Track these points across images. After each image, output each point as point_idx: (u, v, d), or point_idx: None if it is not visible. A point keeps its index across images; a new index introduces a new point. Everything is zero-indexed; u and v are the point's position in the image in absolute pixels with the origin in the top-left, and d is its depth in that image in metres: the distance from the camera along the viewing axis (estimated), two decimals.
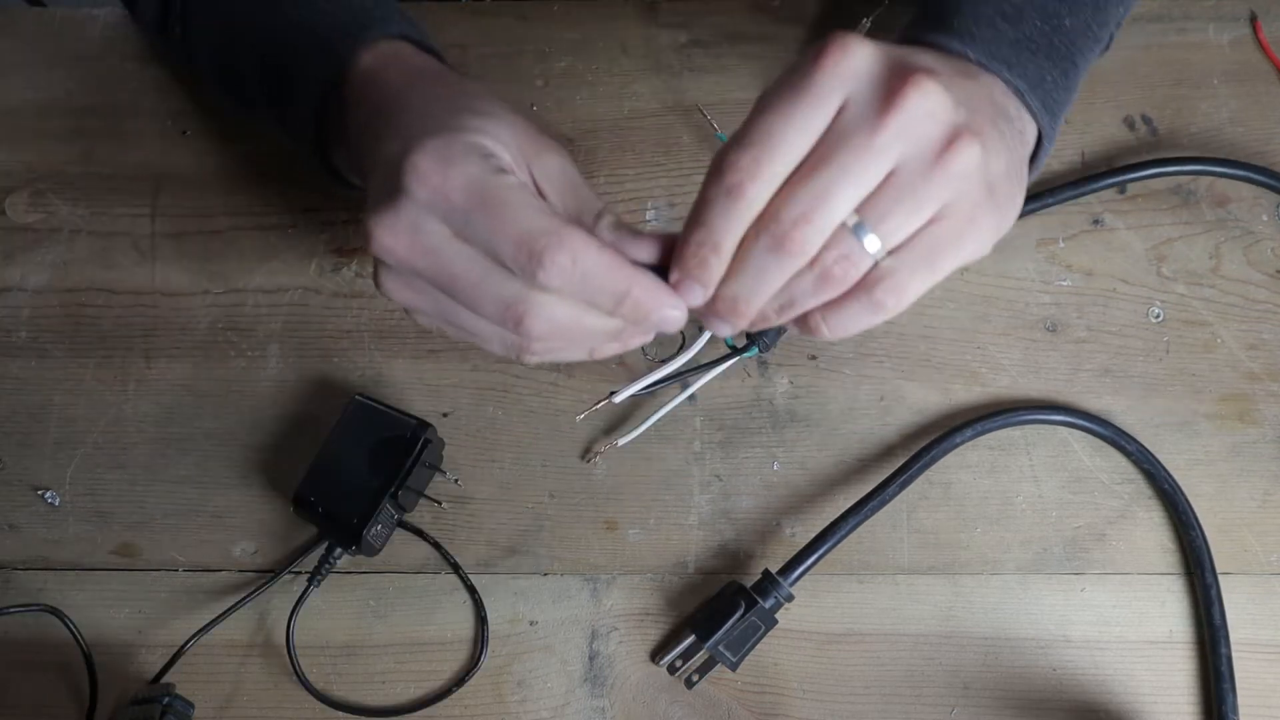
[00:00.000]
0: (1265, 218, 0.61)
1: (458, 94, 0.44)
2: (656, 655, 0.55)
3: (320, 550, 0.55)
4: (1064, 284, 0.60)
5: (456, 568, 0.57)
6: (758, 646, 0.53)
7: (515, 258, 0.38)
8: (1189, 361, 0.59)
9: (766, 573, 0.54)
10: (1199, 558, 0.55)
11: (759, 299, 0.38)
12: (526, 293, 0.39)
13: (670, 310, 0.39)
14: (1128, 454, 0.57)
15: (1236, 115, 0.63)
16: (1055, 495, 0.57)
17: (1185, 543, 0.56)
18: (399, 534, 0.57)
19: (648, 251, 0.40)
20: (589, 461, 0.58)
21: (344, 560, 0.56)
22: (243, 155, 0.64)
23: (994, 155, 0.40)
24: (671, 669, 0.55)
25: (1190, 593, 0.56)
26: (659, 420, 0.58)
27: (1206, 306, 0.60)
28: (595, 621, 0.56)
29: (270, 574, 0.56)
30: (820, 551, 0.54)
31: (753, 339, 0.56)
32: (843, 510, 0.55)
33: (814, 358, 0.59)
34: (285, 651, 0.55)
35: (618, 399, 0.56)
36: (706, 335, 0.56)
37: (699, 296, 0.39)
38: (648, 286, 0.39)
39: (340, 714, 0.55)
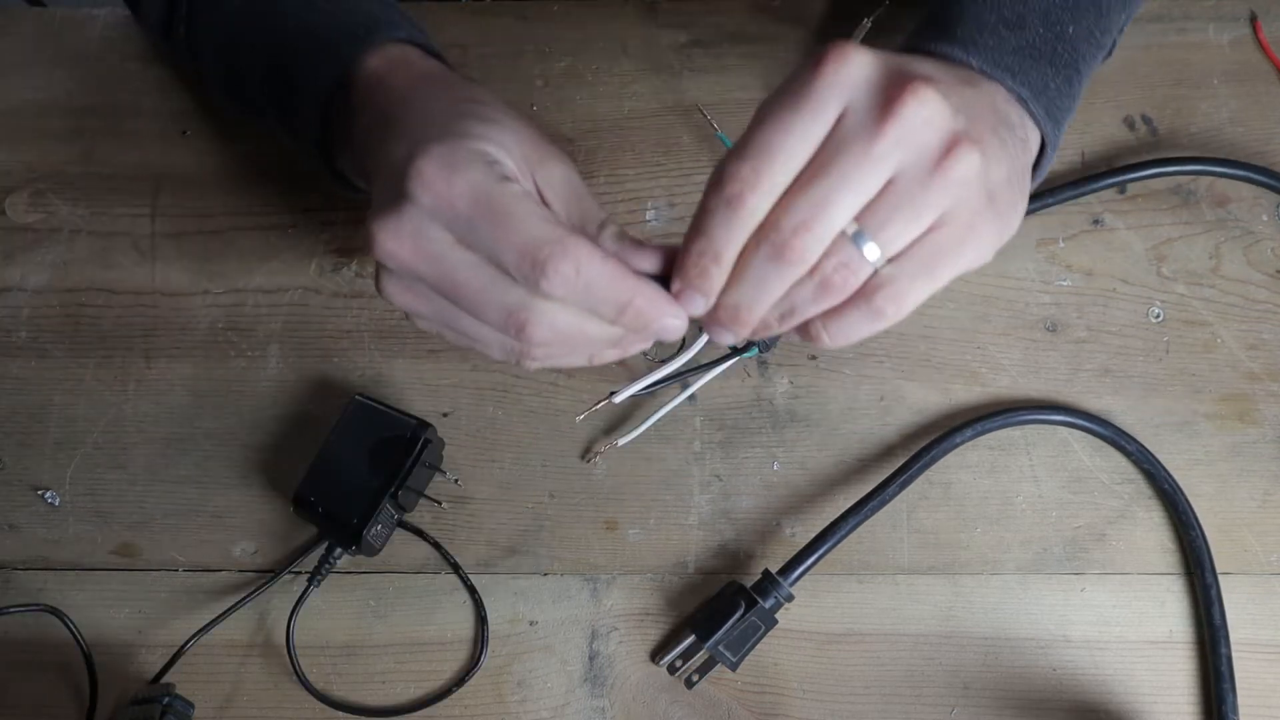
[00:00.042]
0: (1265, 218, 0.61)
1: (464, 99, 0.44)
2: (656, 655, 0.55)
3: (320, 550, 0.55)
4: (1064, 284, 0.60)
5: (456, 568, 0.57)
6: (758, 646, 0.53)
7: (518, 266, 0.38)
8: (1189, 361, 0.59)
9: (766, 573, 0.54)
10: (1199, 558, 0.55)
11: (760, 308, 0.39)
12: (529, 300, 0.39)
13: (671, 319, 0.39)
14: (1128, 454, 0.57)
15: (1236, 115, 0.63)
16: (1055, 495, 0.57)
17: (1185, 543, 0.56)
18: (399, 534, 0.57)
19: (650, 262, 0.40)
20: (589, 461, 0.58)
21: (344, 560, 0.56)
22: (243, 155, 0.64)
23: (994, 163, 0.40)
24: (671, 669, 0.55)
25: (1190, 593, 0.56)
26: (659, 420, 0.58)
27: (1206, 306, 0.60)
28: (595, 621, 0.56)
29: (270, 574, 0.56)
30: (820, 551, 0.54)
31: (752, 339, 0.56)
32: (843, 510, 0.55)
33: (814, 358, 0.59)
34: (285, 651, 0.55)
35: (618, 399, 0.56)
36: (706, 336, 0.56)
37: (700, 306, 0.39)
38: (649, 296, 0.39)
39: (340, 714, 0.55)
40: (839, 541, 0.54)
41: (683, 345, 0.57)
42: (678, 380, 0.57)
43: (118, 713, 0.55)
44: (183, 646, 0.55)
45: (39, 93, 0.66)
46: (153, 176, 0.64)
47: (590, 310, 0.39)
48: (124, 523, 0.58)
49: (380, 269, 0.41)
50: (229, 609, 0.55)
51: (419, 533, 0.57)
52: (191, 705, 0.54)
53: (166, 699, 0.53)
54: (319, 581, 0.55)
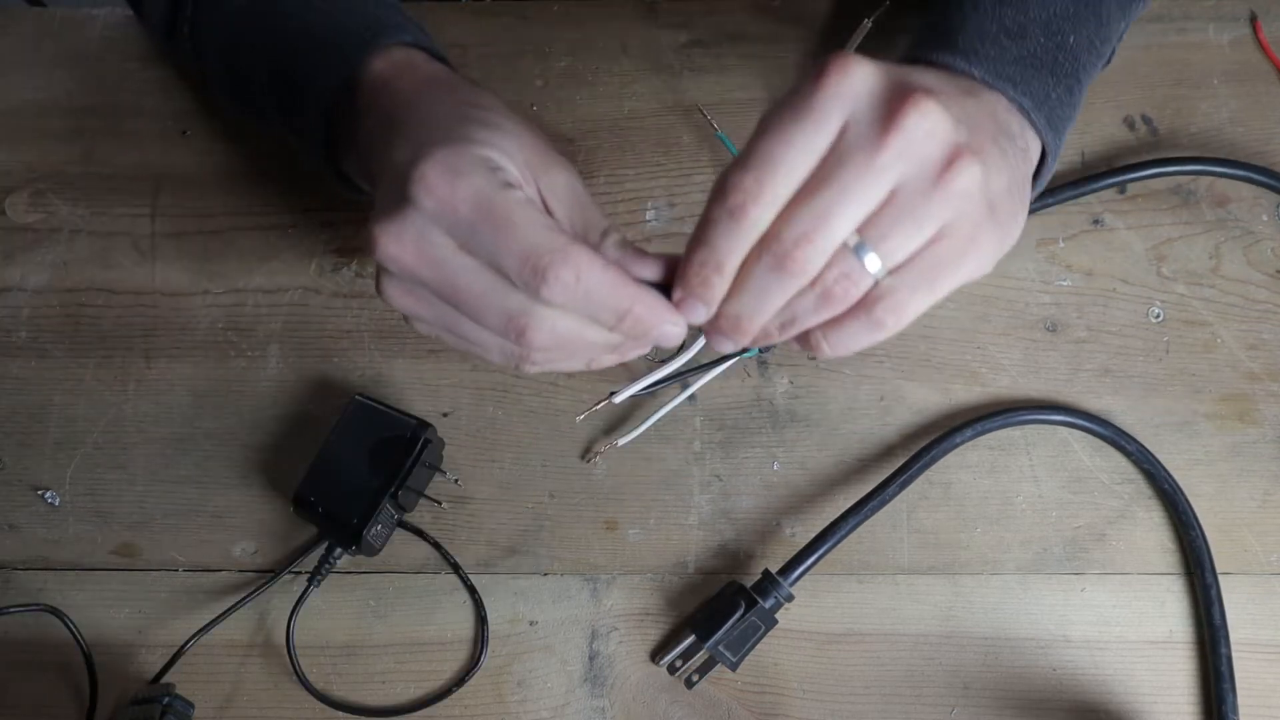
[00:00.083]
0: (1265, 218, 0.61)
1: (468, 104, 0.44)
2: (656, 655, 0.55)
3: (320, 550, 0.55)
4: (1064, 284, 0.60)
5: (456, 568, 0.57)
6: (758, 646, 0.53)
7: (519, 273, 0.38)
8: (1189, 361, 0.59)
9: (766, 573, 0.54)
10: (1199, 558, 0.55)
11: (761, 317, 0.39)
12: (530, 305, 0.39)
13: (670, 326, 0.40)
14: (1128, 454, 0.57)
15: (1236, 115, 0.63)
16: (1055, 495, 0.57)
17: (1185, 543, 0.56)
18: (399, 534, 0.57)
19: (652, 270, 0.40)
20: (589, 461, 0.58)
21: (344, 560, 0.56)
22: (243, 155, 0.64)
23: (995, 174, 0.40)
24: (671, 669, 0.55)
25: (1190, 593, 0.56)
26: (659, 420, 0.58)
27: (1206, 306, 0.60)
28: (595, 621, 0.56)
29: (270, 574, 0.56)
30: (820, 551, 0.54)
31: (751, 348, 0.56)
32: (843, 510, 0.55)
33: (814, 358, 0.59)
34: (285, 651, 0.55)
35: (618, 399, 0.56)
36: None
37: (702, 314, 0.39)
38: (649, 303, 0.39)
39: (340, 714, 0.55)
40: (839, 541, 0.54)
41: (683, 346, 0.57)
42: (678, 380, 0.58)
43: (118, 713, 0.55)
44: (183, 646, 0.55)
45: (39, 93, 0.66)
46: (153, 176, 0.64)
47: (590, 317, 0.39)
48: (124, 523, 0.58)
49: (381, 272, 0.41)
50: (229, 609, 0.55)
51: (419, 533, 0.57)
52: (191, 705, 0.54)
53: (166, 699, 0.53)
54: (319, 581, 0.55)
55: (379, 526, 0.54)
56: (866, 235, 0.37)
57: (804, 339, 0.40)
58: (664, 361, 0.57)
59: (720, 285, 0.38)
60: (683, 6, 0.66)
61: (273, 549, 0.57)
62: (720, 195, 0.37)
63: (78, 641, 0.55)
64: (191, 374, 0.60)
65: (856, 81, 0.36)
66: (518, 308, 0.39)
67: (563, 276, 0.37)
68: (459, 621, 0.56)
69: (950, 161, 0.37)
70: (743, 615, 0.52)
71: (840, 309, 0.38)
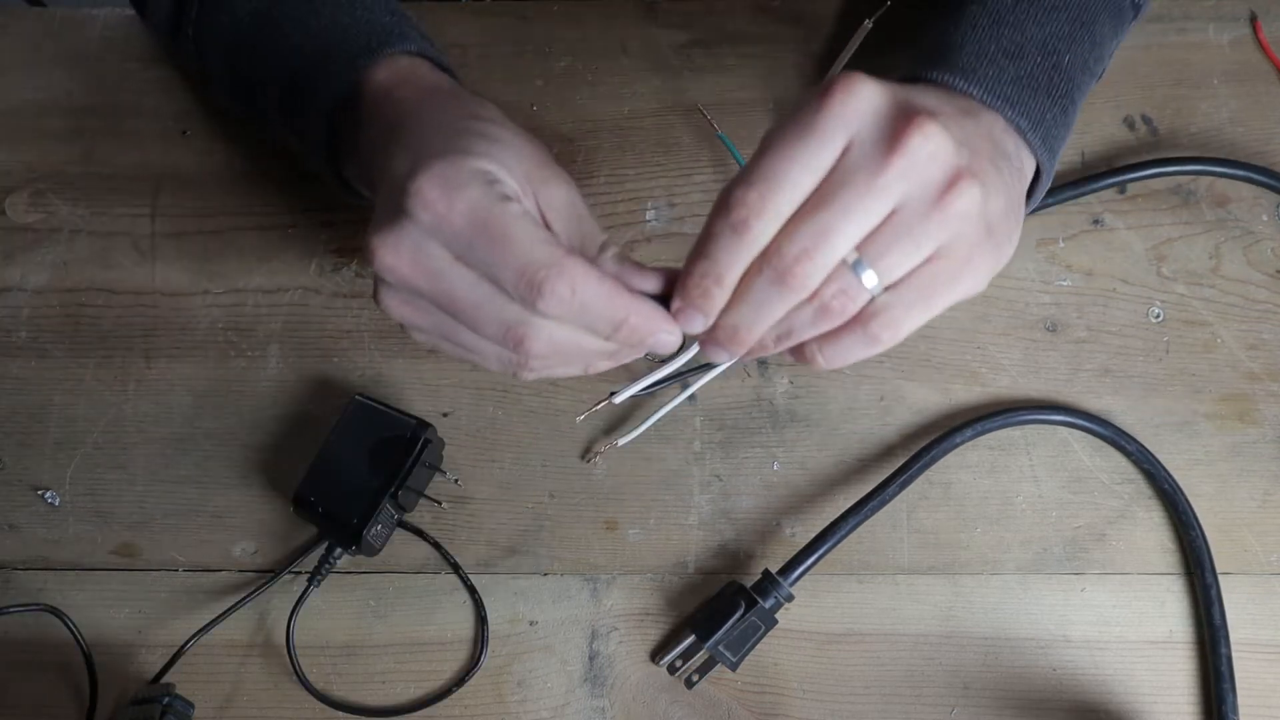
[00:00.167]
0: (1265, 218, 0.61)
1: (469, 116, 0.44)
2: (656, 655, 0.55)
3: (320, 550, 0.55)
4: (1064, 284, 0.60)
5: (456, 568, 0.57)
6: (758, 646, 0.53)
7: (516, 286, 0.39)
8: (1189, 361, 0.59)
9: (766, 573, 0.54)
10: (1199, 558, 0.55)
11: (758, 329, 0.39)
12: (527, 316, 0.40)
13: (665, 335, 0.40)
14: (1128, 454, 0.57)
15: (1236, 115, 0.63)
16: (1055, 495, 0.57)
17: (1185, 543, 0.56)
18: (399, 534, 0.57)
19: (647, 283, 0.41)
20: (589, 461, 0.58)
21: (344, 560, 0.56)
22: (243, 155, 0.64)
23: (993, 195, 0.41)
24: (671, 669, 0.55)
25: (1190, 593, 0.56)
26: (659, 420, 0.58)
27: (1206, 306, 0.60)
28: (595, 621, 0.56)
29: (270, 574, 0.56)
30: (820, 551, 0.54)
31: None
32: (843, 510, 0.55)
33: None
34: (285, 651, 0.55)
35: (618, 399, 0.56)
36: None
37: (700, 324, 0.40)
38: (644, 313, 0.40)
39: (340, 714, 0.55)
40: (839, 541, 0.54)
41: (683, 346, 0.57)
42: (678, 380, 0.58)
43: (118, 713, 0.55)
44: (183, 646, 0.55)
45: (39, 93, 0.66)
46: (153, 176, 0.64)
47: (587, 327, 0.40)
48: (124, 523, 0.58)
49: (379, 282, 0.41)
50: (229, 609, 0.55)
51: (419, 533, 0.57)
52: (191, 705, 0.54)
53: (166, 699, 0.53)
54: (319, 581, 0.55)
55: (379, 526, 0.54)
56: (866, 252, 0.38)
57: (798, 351, 0.41)
58: (664, 362, 0.56)
59: (720, 297, 0.39)
60: (683, 6, 0.66)
61: (273, 549, 0.57)
62: (723, 209, 0.38)
63: (78, 641, 0.55)
64: (191, 374, 0.60)
65: (861, 101, 0.37)
66: (515, 318, 0.40)
67: (559, 290, 0.38)
68: (459, 621, 0.56)
69: (951, 184, 0.37)
70: (743, 615, 0.52)
71: (837, 323, 0.39)
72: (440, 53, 0.52)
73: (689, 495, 0.58)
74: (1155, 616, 0.55)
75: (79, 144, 0.64)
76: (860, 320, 0.39)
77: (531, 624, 0.56)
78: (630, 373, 0.58)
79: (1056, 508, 0.57)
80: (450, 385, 0.60)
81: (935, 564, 0.56)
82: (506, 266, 0.38)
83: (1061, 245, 0.61)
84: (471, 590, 0.56)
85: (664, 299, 0.41)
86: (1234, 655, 0.53)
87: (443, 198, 0.39)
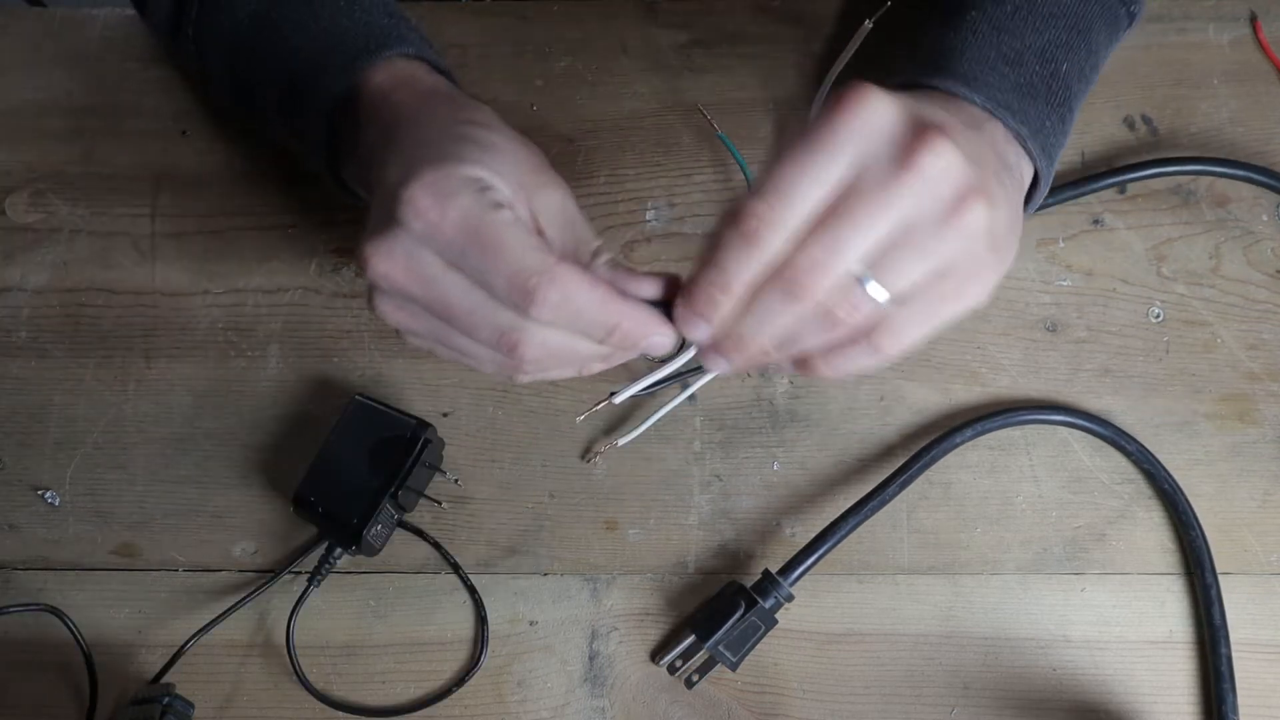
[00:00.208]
0: (1265, 218, 0.61)
1: (463, 121, 0.45)
2: (656, 655, 0.55)
3: (320, 550, 0.55)
4: (1064, 284, 0.60)
5: (456, 568, 0.57)
6: (758, 646, 0.53)
7: (508, 294, 0.39)
8: (1189, 361, 0.59)
9: (766, 573, 0.54)
10: (1199, 558, 0.55)
11: (762, 338, 0.39)
12: (520, 322, 0.40)
13: (658, 337, 0.41)
14: (1128, 454, 0.57)
15: (1236, 115, 0.63)
16: (1055, 495, 0.57)
17: (1185, 543, 0.56)
18: (399, 534, 0.57)
19: (641, 289, 0.41)
20: (589, 461, 0.58)
21: (344, 560, 0.56)
22: (243, 155, 0.64)
23: (999, 210, 0.41)
24: (671, 669, 0.55)
25: (1190, 593, 0.56)
26: (659, 420, 0.58)
27: (1206, 306, 0.60)
28: (595, 621, 0.56)
29: (270, 574, 0.56)
30: (820, 551, 0.54)
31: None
32: (843, 510, 0.55)
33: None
34: (285, 651, 0.55)
35: (618, 399, 0.56)
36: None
37: (703, 332, 0.40)
38: (636, 317, 0.40)
39: (340, 714, 0.55)
40: (839, 541, 0.54)
41: (683, 346, 0.57)
42: (678, 380, 0.58)
43: (118, 713, 0.55)
44: (183, 646, 0.55)
45: (39, 93, 0.66)
46: (153, 176, 0.64)
47: (579, 332, 0.40)
48: (124, 523, 0.58)
49: (373, 289, 0.42)
50: (229, 609, 0.55)
51: (419, 533, 0.57)
52: (191, 705, 0.54)
53: (166, 699, 0.53)
54: (319, 581, 0.55)
55: (379, 526, 0.54)
56: (874, 265, 0.38)
57: (800, 361, 0.41)
58: (664, 362, 0.56)
59: (726, 304, 0.39)
60: (683, 6, 0.66)
61: (273, 549, 0.57)
62: (733, 219, 0.38)
63: (78, 641, 0.55)
64: (191, 374, 0.60)
65: (874, 115, 0.37)
66: (508, 324, 0.40)
67: (550, 296, 0.38)
68: (459, 621, 0.56)
69: (961, 200, 0.38)
70: (743, 615, 0.52)
71: (842, 334, 0.39)
72: (439, 55, 0.52)
73: (689, 495, 0.58)
74: (1155, 616, 0.55)
75: (79, 144, 0.64)
76: (865, 332, 0.39)
77: (531, 624, 0.56)
78: (630, 373, 0.58)
79: (1056, 508, 0.57)
80: (450, 385, 0.60)
81: (935, 564, 0.56)
82: (498, 274, 0.39)
83: (1061, 245, 0.61)
84: (471, 590, 0.56)
85: (657, 302, 0.41)
86: (1234, 655, 0.53)
87: (434, 206, 0.39)
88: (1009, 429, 0.58)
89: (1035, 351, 0.59)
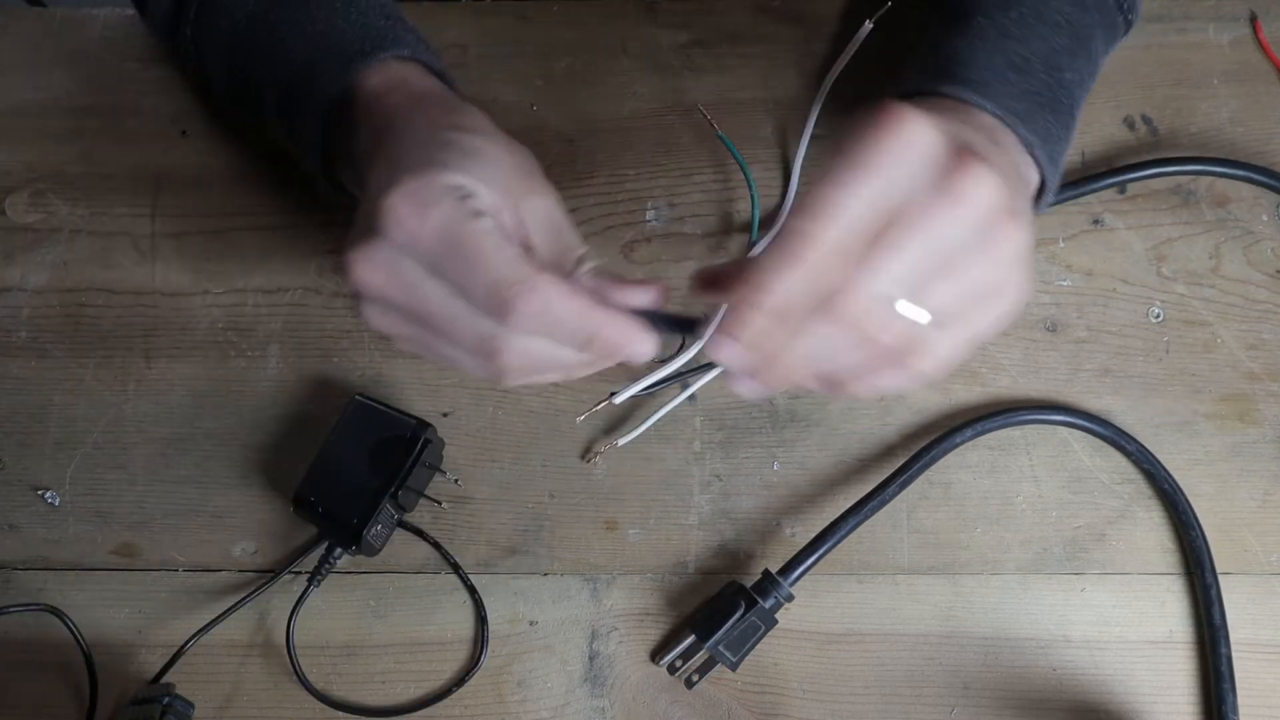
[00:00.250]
0: (1265, 218, 0.61)
1: (451, 126, 0.44)
2: (656, 655, 0.55)
3: (320, 550, 0.55)
4: (1064, 284, 0.60)
5: (456, 568, 0.57)
6: (758, 646, 0.53)
7: (486, 303, 0.39)
8: (1189, 361, 0.59)
9: (766, 573, 0.54)
10: (1199, 558, 0.55)
11: (796, 360, 0.39)
12: (500, 330, 0.40)
13: (639, 346, 0.41)
14: (1128, 454, 0.57)
15: (1236, 115, 0.63)
16: (1055, 495, 0.57)
17: (1185, 543, 0.56)
18: (399, 534, 0.57)
19: (626, 296, 0.41)
20: (589, 461, 0.58)
21: (344, 560, 0.56)
22: (243, 155, 0.64)
23: (1027, 230, 0.41)
24: (671, 669, 0.55)
25: (1190, 593, 0.56)
26: (659, 420, 0.58)
27: (1206, 306, 0.60)
28: (595, 621, 0.56)
29: (270, 574, 0.56)
30: (820, 551, 0.54)
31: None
32: (843, 510, 0.55)
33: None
34: (285, 651, 0.55)
35: (618, 399, 0.56)
36: (705, 338, 0.56)
37: (736, 355, 0.39)
38: (616, 327, 0.40)
39: (340, 714, 0.55)
40: (839, 541, 0.54)
41: (683, 345, 0.57)
42: (678, 380, 0.58)
43: (118, 713, 0.55)
44: (183, 646, 0.55)
45: (39, 93, 0.66)
46: (153, 176, 0.64)
47: (559, 341, 0.40)
48: (124, 523, 0.58)
49: (357, 295, 0.42)
50: (229, 609, 0.55)
51: (419, 533, 0.57)
52: (191, 705, 0.54)
53: (166, 699, 0.53)
54: (319, 581, 0.55)
55: (379, 526, 0.54)
56: (915, 290, 0.38)
57: (830, 380, 0.40)
58: (664, 361, 0.57)
59: (761, 325, 0.38)
60: (683, 6, 0.66)
61: (273, 549, 0.57)
62: (775, 241, 0.37)
63: (78, 641, 0.55)
64: (191, 374, 0.60)
65: (916, 138, 0.36)
66: (488, 332, 0.40)
67: (527, 308, 0.38)
68: (459, 621, 0.56)
69: (998, 225, 0.37)
70: (743, 615, 0.52)
71: (879, 357, 0.39)
72: (436, 56, 0.52)
73: (689, 495, 0.58)
74: (1155, 616, 0.55)
75: (79, 144, 0.64)
76: (899, 353, 0.39)
77: (531, 624, 0.56)
78: (630, 373, 0.58)
79: (1056, 508, 0.57)
80: (450, 385, 0.60)
81: (935, 564, 0.56)
82: (477, 283, 0.39)
83: (1061, 245, 0.61)
84: (471, 590, 0.56)
85: (646, 311, 0.41)
86: (1234, 655, 0.53)
87: (414, 214, 0.39)
88: (1009, 429, 0.58)
89: (1035, 351, 0.59)
